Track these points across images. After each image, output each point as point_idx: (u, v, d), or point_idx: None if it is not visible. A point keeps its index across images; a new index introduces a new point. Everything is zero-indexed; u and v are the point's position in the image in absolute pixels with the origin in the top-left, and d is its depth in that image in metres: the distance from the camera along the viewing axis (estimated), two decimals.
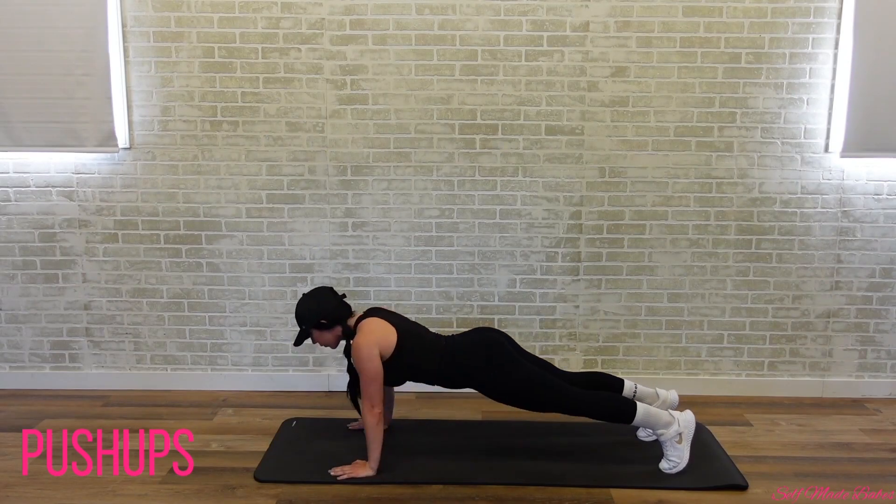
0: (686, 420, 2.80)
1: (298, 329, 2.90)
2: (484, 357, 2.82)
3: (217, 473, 2.83)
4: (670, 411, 2.82)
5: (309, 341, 2.96)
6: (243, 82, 3.49)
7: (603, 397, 2.83)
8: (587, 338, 3.67)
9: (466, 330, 3.03)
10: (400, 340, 2.81)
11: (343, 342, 2.94)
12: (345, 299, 2.96)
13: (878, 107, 3.37)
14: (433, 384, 2.90)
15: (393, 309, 3.62)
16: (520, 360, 2.83)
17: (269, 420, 3.34)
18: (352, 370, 2.92)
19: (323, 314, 2.86)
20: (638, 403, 2.78)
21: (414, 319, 3.61)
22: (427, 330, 3.00)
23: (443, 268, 3.62)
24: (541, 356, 3.64)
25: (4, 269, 3.65)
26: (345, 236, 3.61)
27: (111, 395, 3.65)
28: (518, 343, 3.50)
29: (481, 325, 3.03)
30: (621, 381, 3.04)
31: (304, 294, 2.95)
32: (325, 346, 2.93)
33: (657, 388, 3.08)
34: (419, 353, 2.85)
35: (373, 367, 2.74)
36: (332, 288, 2.98)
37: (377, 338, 2.79)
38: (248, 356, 3.71)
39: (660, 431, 2.77)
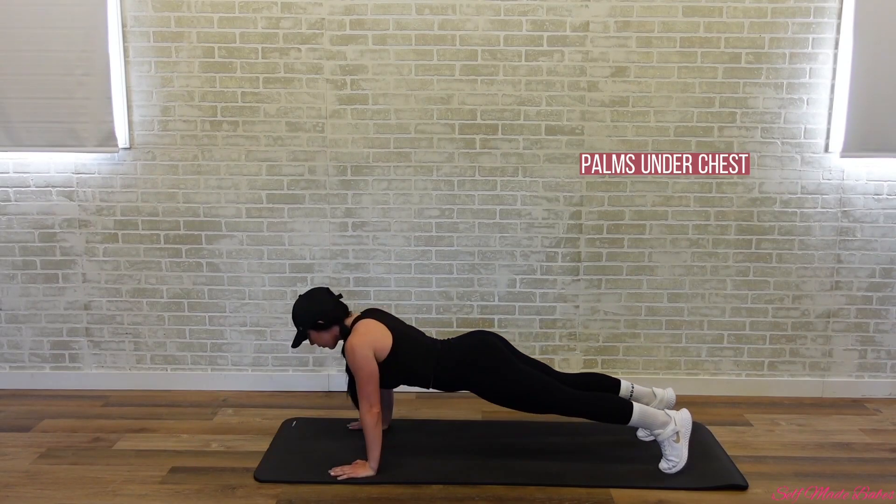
0: (683, 419, 2.80)
1: (295, 331, 2.91)
2: (478, 359, 2.82)
3: (217, 473, 2.83)
4: (666, 411, 2.82)
5: (307, 343, 2.96)
6: (243, 82, 3.49)
7: (599, 398, 2.83)
8: (587, 338, 3.67)
9: (461, 334, 3.03)
10: (395, 343, 2.81)
11: (341, 342, 2.93)
12: (341, 299, 2.96)
13: (878, 107, 3.37)
14: (428, 388, 2.89)
15: (392, 310, 3.62)
16: (515, 362, 2.84)
17: (269, 420, 3.34)
18: (350, 370, 2.92)
19: (320, 315, 2.85)
20: (634, 404, 2.78)
21: (414, 320, 3.63)
22: (423, 334, 3.00)
23: (443, 268, 3.62)
24: (541, 356, 3.65)
25: (4, 269, 3.65)
26: (345, 236, 3.61)
27: (111, 395, 3.65)
28: (516, 344, 3.52)
29: (477, 329, 3.04)
30: (618, 382, 3.04)
31: (300, 295, 2.95)
32: (324, 346, 2.93)
33: (653, 388, 3.09)
34: (414, 356, 2.84)
35: (368, 369, 2.74)
36: (328, 288, 2.98)
37: (371, 339, 2.78)
38: (248, 356, 3.71)
39: (657, 431, 2.77)
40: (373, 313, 2.94)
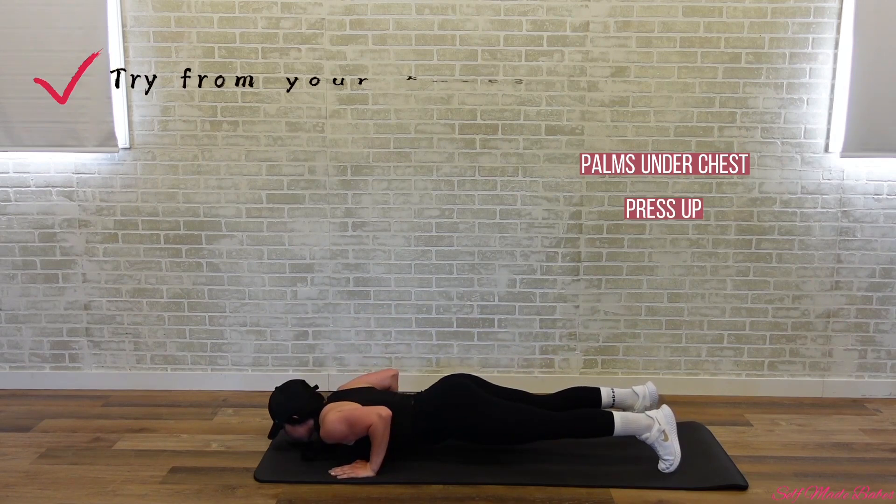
0: (665, 416, 2.81)
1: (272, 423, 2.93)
2: (453, 401, 2.83)
3: (217, 473, 2.83)
4: (648, 413, 2.82)
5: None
6: (243, 82, 3.49)
7: (580, 417, 2.84)
8: (587, 338, 3.67)
9: (432, 385, 3.01)
10: None
11: (316, 434, 2.93)
12: (317, 390, 2.98)
13: (878, 107, 3.37)
14: (413, 446, 2.87)
15: (392, 310, 3.63)
16: (490, 398, 2.84)
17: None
18: (318, 453, 2.92)
19: (294, 410, 2.88)
20: (615, 414, 2.79)
21: (413, 320, 3.63)
22: (393, 394, 3.00)
23: (443, 268, 3.62)
24: (541, 356, 3.65)
25: (4, 269, 3.65)
26: (345, 236, 3.61)
27: (111, 395, 3.65)
28: (516, 344, 3.52)
29: (447, 375, 3.05)
30: (597, 391, 3.05)
31: (276, 388, 2.98)
32: (298, 438, 2.94)
33: (633, 387, 3.10)
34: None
35: (348, 415, 2.72)
36: (303, 381, 3.01)
37: (337, 414, 2.77)
38: (248, 356, 3.71)
39: (644, 435, 2.78)
40: (336, 396, 2.97)
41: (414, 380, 3.63)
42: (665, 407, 2.85)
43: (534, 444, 3.03)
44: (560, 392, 3.09)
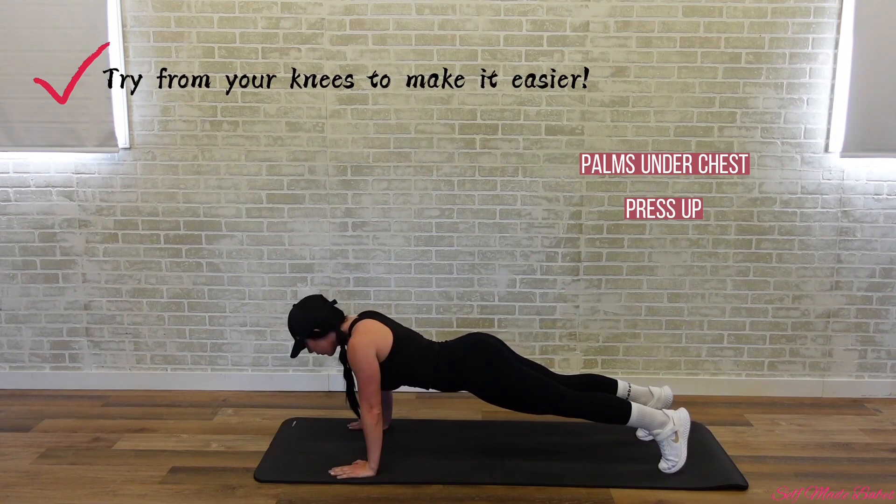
0: (681, 418, 2.80)
1: (293, 341, 2.90)
2: (477, 360, 2.82)
3: (217, 473, 2.83)
4: (665, 410, 2.82)
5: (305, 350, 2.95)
6: (243, 82, 3.49)
7: (598, 398, 2.83)
8: (587, 338, 3.67)
9: (460, 336, 3.03)
10: (395, 343, 2.81)
11: (339, 348, 2.92)
12: (336, 305, 2.95)
13: (878, 107, 3.37)
14: (427, 388, 2.89)
15: (392, 310, 3.63)
16: (514, 362, 2.84)
17: (269, 420, 3.34)
18: (349, 375, 2.92)
19: (315, 322, 2.85)
20: (633, 403, 2.79)
21: (413, 320, 3.63)
22: (421, 336, 3.00)
23: (443, 268, 3.62)
24: (541, 356, 3.65)
25: (4, 269, 3.65)
26: (345, 236, 3.61)
27: (111, 395, 3.65)
28: (516, 344, 3.51)
29: (476, 331, 3.05)
30: (615, 382, 3.05)
31: (294, 305, 2.94)
32: (322, 353, 2.92)
33: (650, 387, 3.09)
34: (414, 356, 2.85)
35: (369, 368, 2.74)
36: (321, 295, 2.98)
37: (373, 338, 2.79)
38: (248, 356, 3.71)
39: (656, 431, 2.77)
40: (371, 314, 2.95)
41: None
42: (683, 409, 2.84)
43: (536, 441, 3.04)
44: (578, 375, 3.09)
